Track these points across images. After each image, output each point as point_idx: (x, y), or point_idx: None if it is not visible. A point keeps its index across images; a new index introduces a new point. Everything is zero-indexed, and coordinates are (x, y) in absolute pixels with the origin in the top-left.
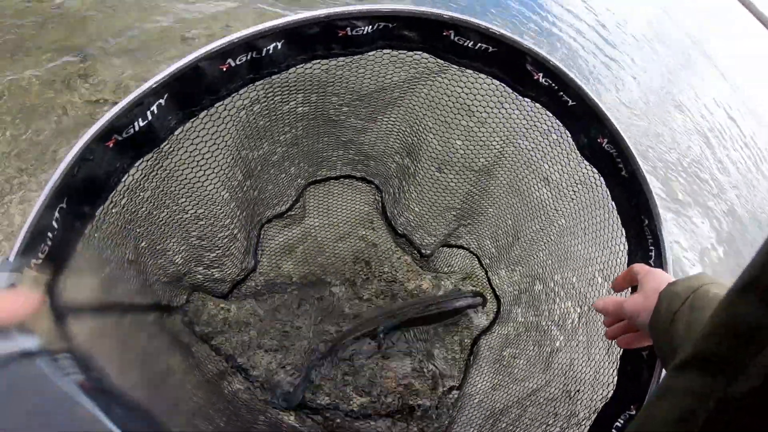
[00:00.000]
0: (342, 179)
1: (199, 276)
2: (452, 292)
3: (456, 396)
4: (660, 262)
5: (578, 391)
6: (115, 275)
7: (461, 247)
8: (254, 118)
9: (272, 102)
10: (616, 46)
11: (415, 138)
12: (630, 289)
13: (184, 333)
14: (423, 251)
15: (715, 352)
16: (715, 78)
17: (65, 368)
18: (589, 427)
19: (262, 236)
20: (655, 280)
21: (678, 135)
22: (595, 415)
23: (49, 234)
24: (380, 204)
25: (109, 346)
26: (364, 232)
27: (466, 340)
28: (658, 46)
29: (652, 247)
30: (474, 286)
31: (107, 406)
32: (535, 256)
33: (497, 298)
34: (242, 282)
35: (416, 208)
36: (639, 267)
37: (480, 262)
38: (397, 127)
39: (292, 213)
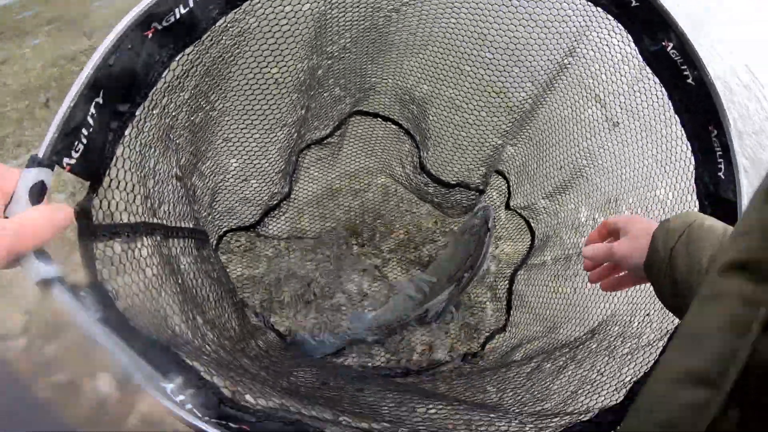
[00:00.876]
0: (387, 123)
1: (227, 194)
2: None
3: (501, 338)
4: (730, 175)
5: (647, 314)
6: (161, 191)
7: (498, 171)
8: (305, 22)
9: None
10: None
11: (467, 53)
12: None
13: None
14: (481, 188)
15: (754, 257)
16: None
17: (85, 302)
18: (661, 348)
19: (299, 162)
20: (640, 222)
21: None
22: (668, 336)
23: (84, 131)
24: (418, 160)
25: (142, 274)
26: (389, 184)
27: (499, 280)
28: None
29: (721, 160)
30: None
31: (127, 341)
32: (584, 180)
33: (531, 230)
34: (275, 209)
35: (466, 142)
36: (614, 218)
37: (509, 189)
38: (448, 40)
39: (332, 140)
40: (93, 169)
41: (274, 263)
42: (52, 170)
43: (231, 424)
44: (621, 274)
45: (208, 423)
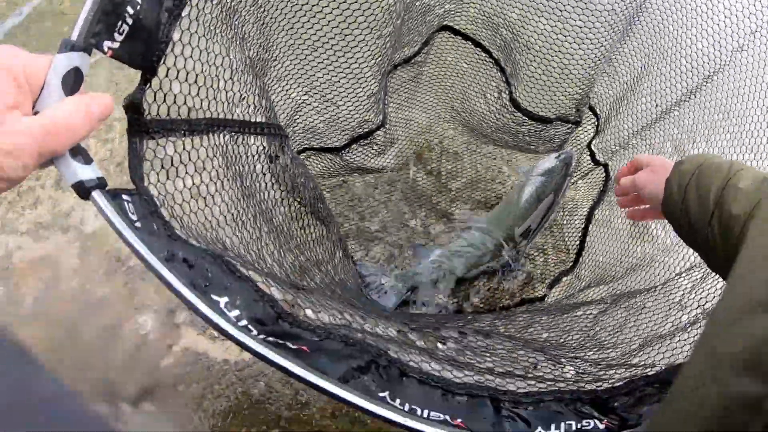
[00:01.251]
0: (477, 49)
1: (311, 112)
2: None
3: (567, 281)
4: None
5: None
6: (230, 83)
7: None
8: None
9: None
10: None
11: None
12: None
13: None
14: (578, 120)
15: None
16: None
17: (128, 209)
18: None
19: (388, 86)
20: (660, 159)
21: None
22: None
23: (129, 10)
24: (508, 96)
25: (197, 178)
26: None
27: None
28: None
29: None
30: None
31: (171, 254)
32: (677, 115)
33: (604, 166)
34: (365, 137)
35: (559, 70)
36: (641, 155)
37: (597, 126)
38: None
39: (418, 59)
40: (144, 56)
41: (339, 194)
42: (89, 54)
43: (289, 344)
44: (642, 207)
45: (264, 343)
